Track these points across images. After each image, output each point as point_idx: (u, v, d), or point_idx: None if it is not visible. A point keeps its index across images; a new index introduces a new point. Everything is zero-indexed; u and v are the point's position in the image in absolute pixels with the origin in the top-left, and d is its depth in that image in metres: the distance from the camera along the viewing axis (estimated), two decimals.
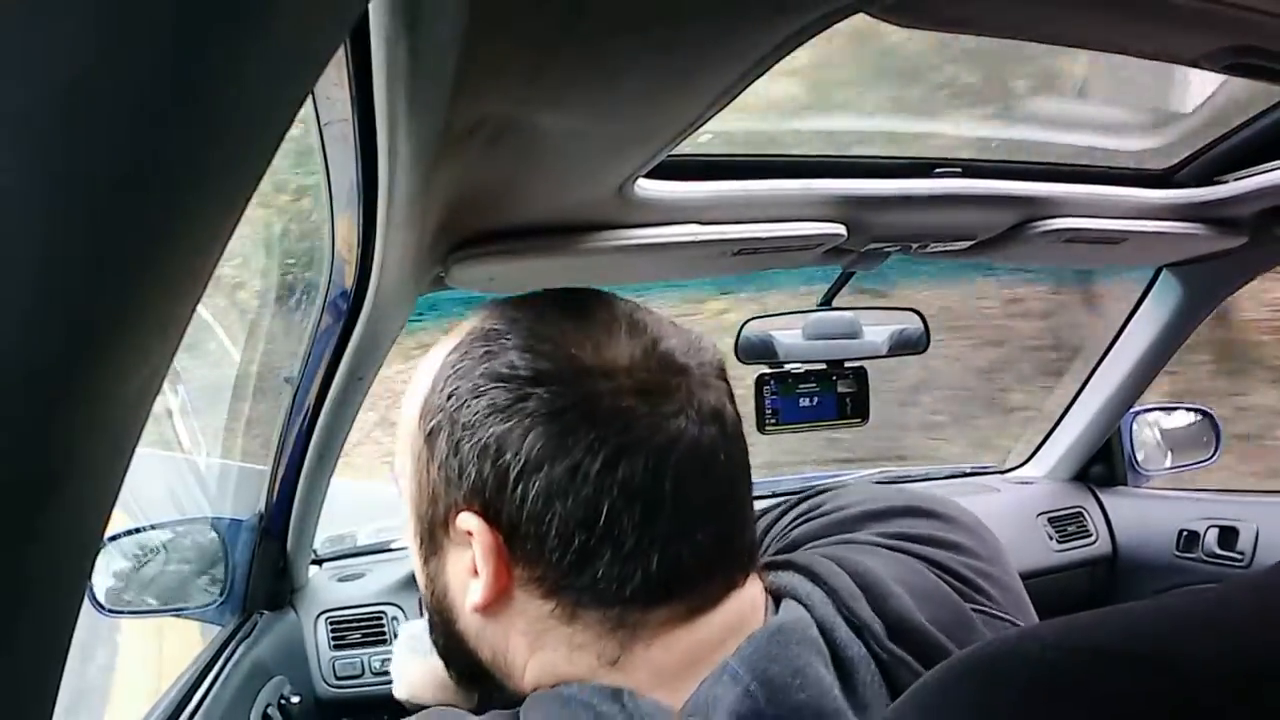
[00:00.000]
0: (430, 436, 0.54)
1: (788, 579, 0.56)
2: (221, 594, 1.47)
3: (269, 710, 1.35)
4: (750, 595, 0.55)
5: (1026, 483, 2.13)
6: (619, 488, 0.48)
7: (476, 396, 0.51)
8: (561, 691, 0.50)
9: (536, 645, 0.54)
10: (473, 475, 0.51)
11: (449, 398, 0.52)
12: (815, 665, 0.49)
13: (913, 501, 0.66)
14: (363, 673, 1.62)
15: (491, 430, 0.50)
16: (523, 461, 0.49)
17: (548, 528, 0.49)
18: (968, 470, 2.24)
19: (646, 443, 0.48)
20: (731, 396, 0.54)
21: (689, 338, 0.54)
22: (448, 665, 0.62)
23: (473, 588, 0.53)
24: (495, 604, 0.53)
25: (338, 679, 1.62)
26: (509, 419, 0.49)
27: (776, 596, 0.55)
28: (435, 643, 0.62)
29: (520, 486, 0.49)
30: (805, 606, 0.53)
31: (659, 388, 0.50)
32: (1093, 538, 1.97)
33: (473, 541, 0.52)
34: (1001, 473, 2.22)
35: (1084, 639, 0.37)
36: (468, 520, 0.51)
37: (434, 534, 0.56)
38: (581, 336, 0.51)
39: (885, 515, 0.64)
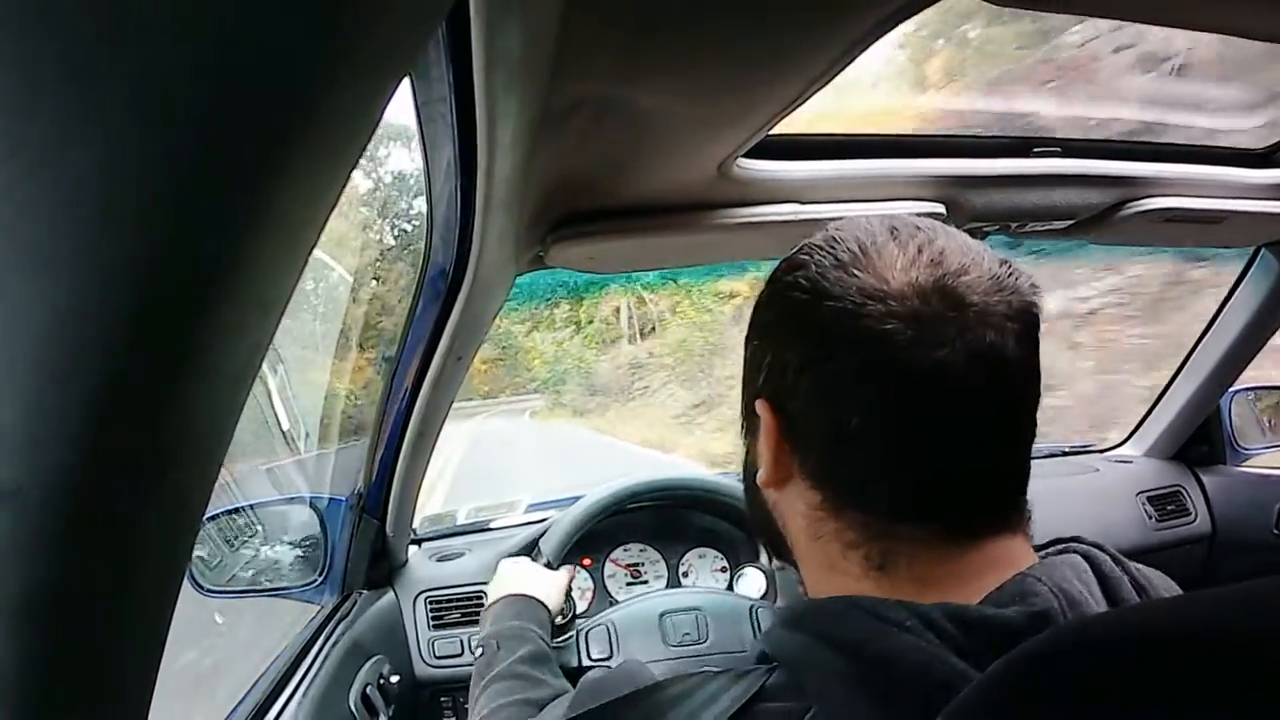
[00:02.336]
0: (748, 335, 0.63)
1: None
2: (320, 574, 1.46)
3: (368, 690, 1.35)
4: (1018, 549, 0.56)
5: (1125, 461, 2.10)
6: (867, 404, 0.52)
7: (772, 305, 0.59)
8: (841, 601, 0.54)
9: (814, 534, 0.59)
10: (765, 369, 0.59)
11: (758, 305, 0.61)
12: (1099, 597, 0.52)
13: None
14: (462, 652, 1.61)
15: (782, 333, 0.58)
16: (795, 363, 0.56)
17: (812, 425, 0.56)
18: (1066, 449, 2.21)
19: (900, 367, 0.51)
20: (1025, 340, 0.53)
21: (996, 275, 0.53)
22: (758, 533, 0.70)
23: (764, 464, 0.60)
24: (780, 483, 0.60)
25: (437, 658, 1.62)
26: (792, 325, 0.57)
27: None
28: (748, 512, 0.70)
29: (793, 384, 0.56)
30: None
31: (931, 318, 0.51)
32: (1192, 516, 1.95)
33: (762, 425, 0.59)
34: (1101, 452, 2.20)
35: (1170, 623, 0.37)
36: (760, 406, 0.59)
37: (749, 415, 0.63)
38: (871, 261, 0.54)
39: None
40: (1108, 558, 0.55)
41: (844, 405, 0.53)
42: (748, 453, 0.66)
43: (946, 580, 0.54)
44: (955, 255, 0.53)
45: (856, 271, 0.53)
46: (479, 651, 1.17)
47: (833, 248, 0.56)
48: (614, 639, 1.36)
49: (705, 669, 0.62)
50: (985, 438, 0.53)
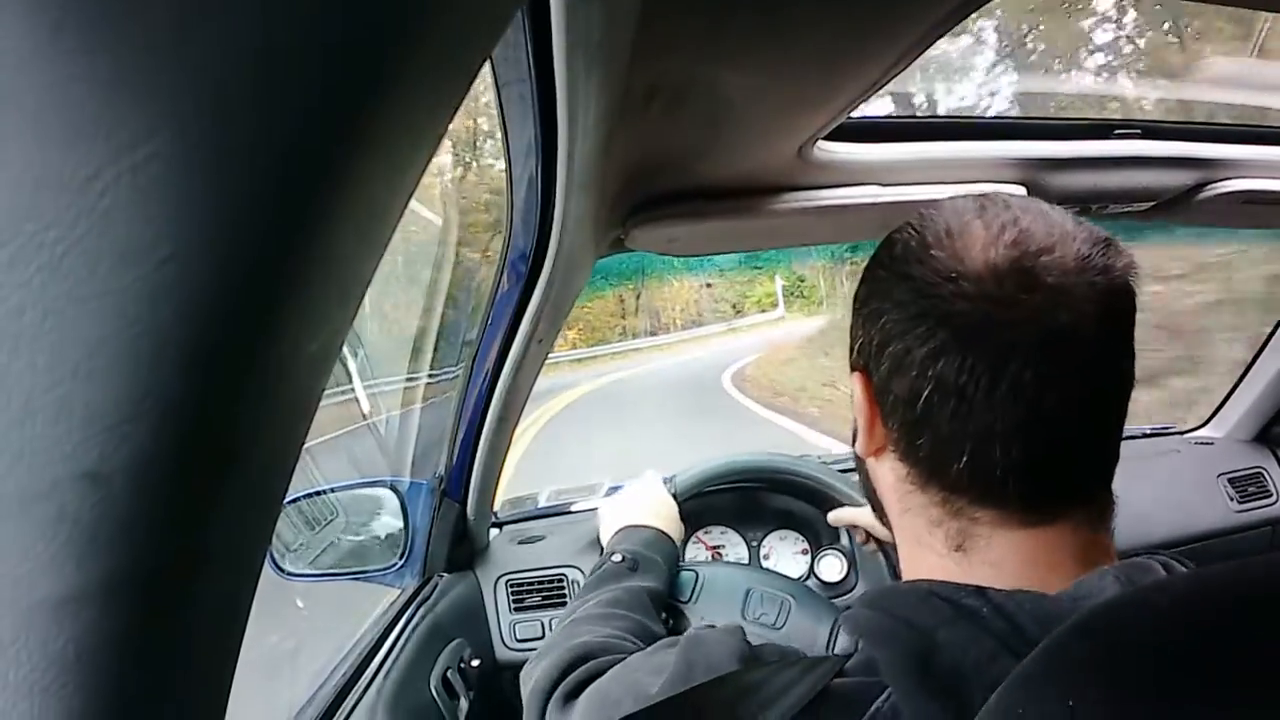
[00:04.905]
0: (853, 310, 0.64)
1: None
2: (401, 557, 1.46)
3: (449, 673, 1.35)
4: (1098, 543, 0.57)
5: (1206, 443, 2.08)
6: (937, 379, 0.53)
7: (864, 281, 0.62)
8: (920, 587, 0.54)
9: (904, 506, 0.61)
10: (860, 342, 0.62)
11: (860, 281, 0.63)
12: None
13: None
14: (542, 635, 1.60)
15: (871, 308, 0.59)
16: (879, 338, 0.58)
17: (895, 399, 0.57)
18: (1148, 431, 2.20)
19: (969, 344, 0.52)
20: (1110, 322, 0.53)
21: (1085, 256, 0.52)
22: (868, 499, 0.70)
23: (859, 434, 0.63)
24: (875, 453, 0.62)
25: (518, 641, 1.61)
26: (876, 302, 0.59)
27: None
28: (859, 482, 0.71)
29: (879, 357, 0.58)
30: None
31: (1003, 300, 0.51)
32: (1273, 498, 1.91)
33: (855, 395, 0.62)
34: (1181, 433, 2.18)
35: (1221, 589, 0.38)
36: (854, 378, 0.62)
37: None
38: (952, 241, 0.54)
39: None
40: (1182, 570, 0.55)
41: (919, 382, 0.55)
42: (854, 424, 0.67)
43: (1022, 568, 0.55)
44: (1040, 235, 0.53)
45: (937, 251, 0.54)
46: (615, 558, 1.17)
47: (921, 228, 0.57)
48: (696, 590, 1.33)
49: (785, 656, 0.64)
50: (1060, 421, 0.53)
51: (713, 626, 0.72)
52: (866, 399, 0.61)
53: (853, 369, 0.63)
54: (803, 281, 37.88)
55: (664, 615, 1.18)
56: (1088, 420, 0.54)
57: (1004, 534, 0.56)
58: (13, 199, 0.20)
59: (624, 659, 0.79)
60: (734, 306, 43.09)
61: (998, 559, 0.56)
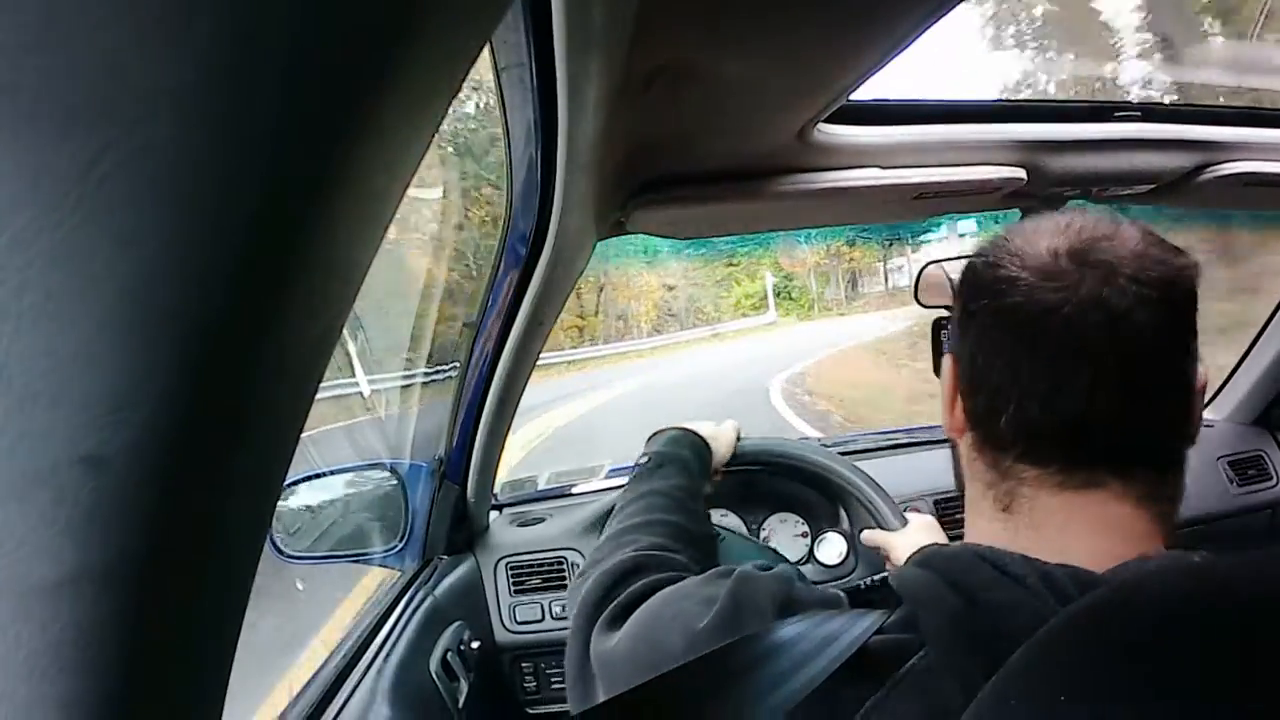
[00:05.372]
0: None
1: None
2: (401, 539, 1.47)
3: (448, 655, 1.35)
4: (1142, 523, 0.57)
5: (1206, 425, 2.03)
6: (991, 342, 0.59)
7: (961, 271, 0.65)
8: (970, 549, 0.56)
9: (971, 475, 0.65)
10: (949, 327, 0.68)
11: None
12: None
13: None
14: (543, 617, 1.62)
15: (960, 292, 0.64)
16: (959, 315, 0.64)
17: (964, 369, 0.63)
18: None
19: (1018, 310, 0.57)
20: (1154, 306, 0.55)
21: (1142, 248, 0.56)
22: (956, 483, 0.73)
23: (944, 414, 0.67)
24: (957, 431, 0.66)
25: (518, 624, 1.62)
26: (961, 285, 0.64)
27: None
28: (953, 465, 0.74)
29: (957, 335, 0.64)
30: None
31: (1054, 271, 0.56)
32: (1273, 481, 1.91)
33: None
34: None
35: (1207, 583, 0.38)
36: (945, 359, 0.67)
37: None
38: (1027, 229, 0.60)
39: None
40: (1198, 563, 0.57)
41: (979, 346, 0.60)
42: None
43: (1059, 533, 0.58)
44: (1104, 229, 0.58)
45: (1012, 237, 0.60)
46: (641, 458, 1.19)
47: (1010, 226, 0.63)
48: (717, 554, 1.33)
49: (828, 604, 0.65)
50: (1096, 386, 0.55)
51: (768, 568, 0.73)
52: (951, 378, 0.65)
53: (947, 353, 0.67)
54: (790, 281, 35.26)
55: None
56: (1125, 388, 0.56)
57: (1044, 496, 0.58)
58: (11, 185, 0.20)
59: (674, 581, 0.80)
60: (717, 309, 36.38)
61: (1039, 522, 0.59)
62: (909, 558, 0.60)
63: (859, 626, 0.58)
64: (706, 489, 1.26)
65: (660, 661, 0.68)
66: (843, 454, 1.64)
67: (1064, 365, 0.55)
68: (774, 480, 1.73)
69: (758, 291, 35.58)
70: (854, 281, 34.24)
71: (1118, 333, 0.54)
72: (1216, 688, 0.34)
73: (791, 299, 35.15)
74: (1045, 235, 0.58)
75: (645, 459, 1.17)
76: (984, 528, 0.62)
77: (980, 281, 0.60)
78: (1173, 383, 0.57)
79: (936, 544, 0.62)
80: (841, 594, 0.68)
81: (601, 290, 31.32)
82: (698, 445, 1.25)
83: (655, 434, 1.28)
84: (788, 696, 0.52)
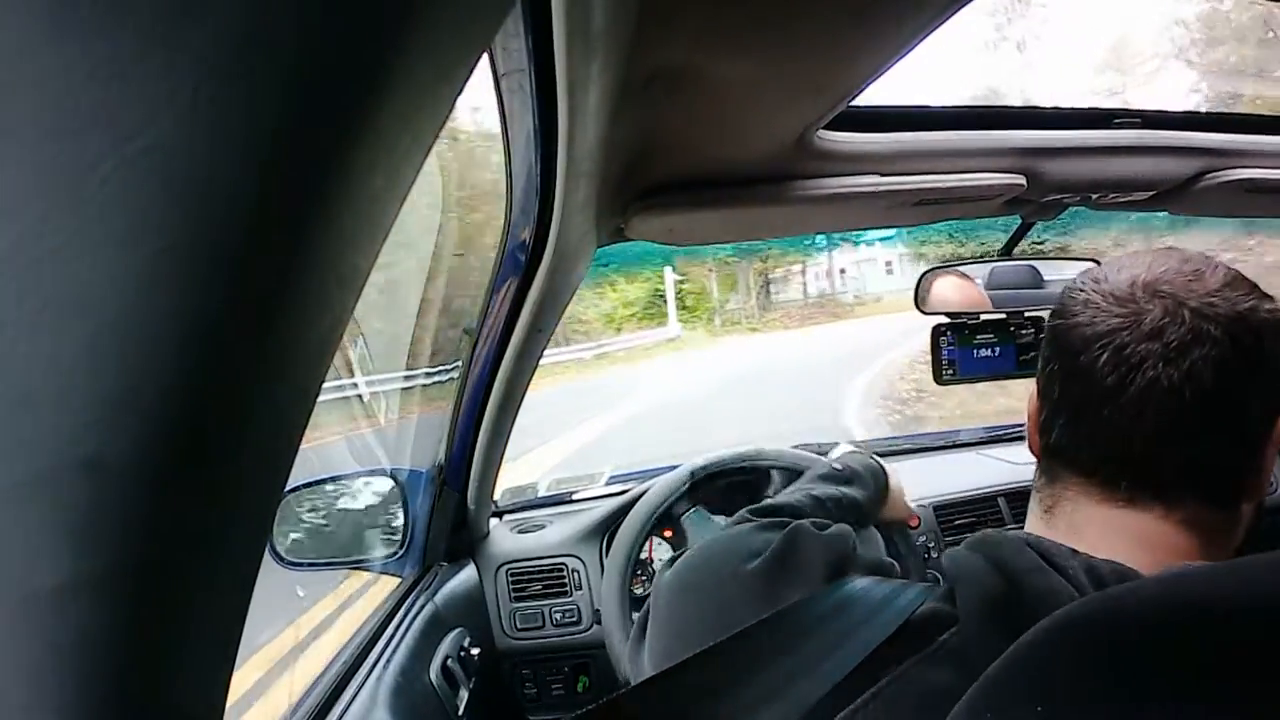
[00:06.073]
0: None
1: None
2: (401, 546, 1.48)
3: (449, 662, 1.37)
4: (1184, 544, 0.58)
5: None
6: (1058, 360, 0.62)
7: None
8: (1019, 536, 0.59)
9: (1034, 480, 0.67)
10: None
11: None
12: None
13: None
14: (544, 624, 1.63)
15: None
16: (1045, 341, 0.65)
17: (1039, 381, 0.66)
18: None
19: (1079, 330, 0.59)
20: (1220, 343, 0.55)
21: (1219, 290, 0.57)
22: None
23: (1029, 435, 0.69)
24: (1035, 450, 0.67)
25: (518, 630, 1.63)
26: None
27: None
28: None
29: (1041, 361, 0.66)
30: None
31: (1122, 298, 0.58)
32: (1273, 488, 1.89)
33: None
34: None
35: (1183, 594, 0.38)
36: (1034, 382, 0.68)
37: None
38: (1115, 264, 0.63)
39: None
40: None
41: (1051, 361, 0.63)
42: None
43: (1099, 539, 0.59)
44: (1190, 267, 0.59)
45: (1104, 268, 0.63)
46: (836, 465, 1.20)
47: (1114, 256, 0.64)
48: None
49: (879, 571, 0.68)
50: (1143, 414, 0.56)
51: (825, 527, 0.76)
52: (1034, 397, 0.67)
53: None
54: (683, 284, 25.21)
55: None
56: (1176, 415, 0.56)
57: (1088, 506, 0.61)
58: (12, 187, 0.20)
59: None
60: (609, 320, 24.41)
61: (1080, 525, 0.61)
62: (966, 540, 0.64)
63: (906, 596, 0.61)
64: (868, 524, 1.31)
65: (703, 586, 0.73)
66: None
67: (1115, 386, 0.57)
68: (764, 484, 1.74)
69: (641, 298, 25.12)
70: (767, 287, 27.68)
71: (1172, 363, 0.55)
72: (1188, 697, 0.34)
73: (685, 307, 26.19)
74: (1134, 266, 0.60)
75: (840, 466, 1.19)
76: (1032, 524, 0.65)
77: (1064, 302, 0.63)
78: (1227, 422, 0.56)
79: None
80: (893, 561, 0.72)
81: None
82: (881, 482, 1.27)
83: (854, 452, 1.29)
84: (842, 661, 0.55)
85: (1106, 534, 0.59)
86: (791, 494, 1.07)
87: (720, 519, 1.72)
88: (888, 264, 26.01)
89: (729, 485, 1.76)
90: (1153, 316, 0.56)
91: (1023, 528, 0.66)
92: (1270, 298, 0.57)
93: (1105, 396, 0.57)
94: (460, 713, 1.33)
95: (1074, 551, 0.55)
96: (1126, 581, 0.51)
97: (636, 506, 1.68)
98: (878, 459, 1.27)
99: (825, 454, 1.53)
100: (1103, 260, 0.63)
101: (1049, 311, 0.66)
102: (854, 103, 0.87)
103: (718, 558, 0.75)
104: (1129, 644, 0.37)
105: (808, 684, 0.53)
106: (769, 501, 1.03)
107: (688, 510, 1.72)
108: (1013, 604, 0.52)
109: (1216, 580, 0.40)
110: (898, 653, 0.56)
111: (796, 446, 1.77)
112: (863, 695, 0.54)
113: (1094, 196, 1.28)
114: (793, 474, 1.68)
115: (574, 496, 1.94)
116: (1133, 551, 0.57)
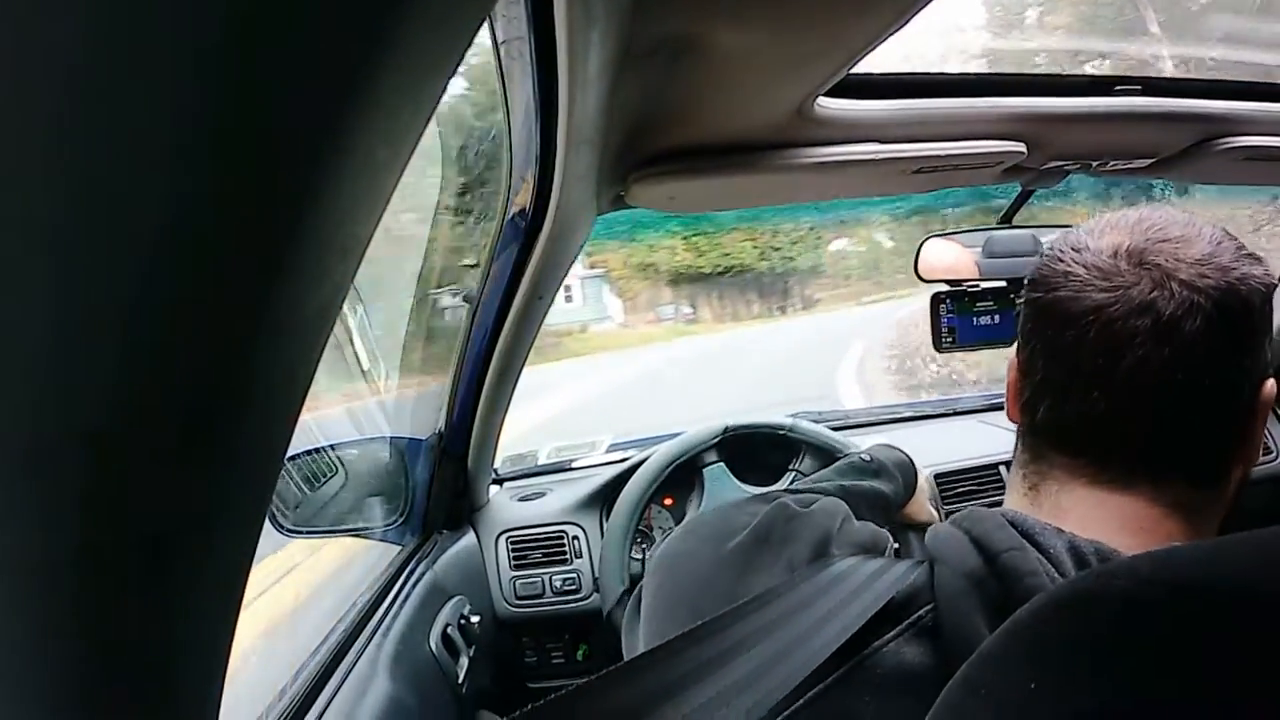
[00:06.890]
0: None
1: None
2: (401, 514, 1.48)
3: (449, 630, 1.37)
4: (1174, 528, 0.58)
5: None
6: (1041, 335, 0.60)
7: None
8: (1000, 513, 0.58)
9: (1015, 455, 0.66)
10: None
11: None
12: None
13: None
14: (544, 592, 1.63)
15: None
16: (1025, 302, 0.63)
17: (1020, 355, 0.64)
18: None
19: (1064, 304, 0.57)
20: (1206, 316, 0.54)
21: (1209, 255, 0.55)
22: None
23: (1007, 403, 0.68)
24: (1015, 416, 0.66)
25: (518, 598, 1.64)
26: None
27: None
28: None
29: (1023, 319, 0.64)
30: None
31: (1107, 269, 0.56)
32: (1273, 455, 1.91)
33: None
34: None
35: (1177, 572, 0.37)
36: (1013, 347, 0.66)
37: None
38: (1097, 225, 0.61)
39: None
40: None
41: (1033, 336, 0.61)
42: None
43: (1085, 520, 0.58)
44: (1175, 230, 0.57)
45: (1084, 229, 0.61)
46: (865, 456, 1.20)
47: (1092, 219, 0.62)
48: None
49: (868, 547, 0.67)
50: (1133, 390, 0.55)
51: (813, 502, 0.74)
52: (1013, 365, 0.65)
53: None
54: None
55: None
56: (1163, 404, 0.55)
57: (1074, 487, 0.60)
58: (10, 156, 0.20)
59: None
60: None
61: (1065, 508, 0.60)
62: (950, 517, 0.62)
63: (892, 575, 0.59)
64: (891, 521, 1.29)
65: (687, 564, 0.71)
66: (837, 428, 1.65)
67: (1104, 365, 0.55)
68: (771, 453, 1.74)
69: None
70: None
71: (1163, 339, 0.54)
72: (1173, 680, 0.34)
73: None
74: (1114, 231, 0.58)
75: (869, 458, 1.19)
76: (1014, 501, 0.64)
77: (1042, 272, 0.61)
78: (1217, 397, 0.56)
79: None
80: (888, 534, 0.70)
81: None
82: (910, 480, 1.26)
83: (886, 445, 1.29)
84: (822, 645, 0.53)
85: (1093, 516, 0.58)
86: (819, 482, 1.07)
87: (736, 481, 1.72)
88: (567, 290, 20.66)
89: (755, 451, 1.76)
90: (1140, 290, 0.54)
91: None
92: (1258, 260, 0.56)
93: (1093, 377, 0.56)
94: (460, 680, 1.34)
95: (1059, 530, 0.54)
96: (1107, 557, 0.51)
97: (658, 451, 1.68)
98: (909, 456, 1.27)
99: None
100: (1108, 224, 0.60)
101: (1027, 281, 0.64)
102: (854, 70, 0.87)
103: (703, 534, 0.74)
104: (1123, 620, 0.37)
105: (785, 669, 0.51)
106: (803, 486, 1.02)
107: (713, 463, 1.72)
108: (989, 582, 0.52)
109: (1208, 559, 0.39)
110: (877, 632, 0.55)
111: None
112: (834, 675, 0.54)
113: (1094, 164, 1.27)
114: (823, 454, 1.68)
115: (574, 464, 1.95)
116: (1119, 535, 0.56)
